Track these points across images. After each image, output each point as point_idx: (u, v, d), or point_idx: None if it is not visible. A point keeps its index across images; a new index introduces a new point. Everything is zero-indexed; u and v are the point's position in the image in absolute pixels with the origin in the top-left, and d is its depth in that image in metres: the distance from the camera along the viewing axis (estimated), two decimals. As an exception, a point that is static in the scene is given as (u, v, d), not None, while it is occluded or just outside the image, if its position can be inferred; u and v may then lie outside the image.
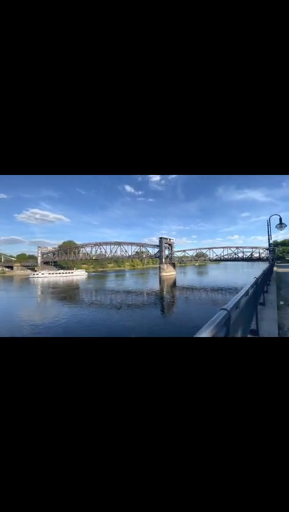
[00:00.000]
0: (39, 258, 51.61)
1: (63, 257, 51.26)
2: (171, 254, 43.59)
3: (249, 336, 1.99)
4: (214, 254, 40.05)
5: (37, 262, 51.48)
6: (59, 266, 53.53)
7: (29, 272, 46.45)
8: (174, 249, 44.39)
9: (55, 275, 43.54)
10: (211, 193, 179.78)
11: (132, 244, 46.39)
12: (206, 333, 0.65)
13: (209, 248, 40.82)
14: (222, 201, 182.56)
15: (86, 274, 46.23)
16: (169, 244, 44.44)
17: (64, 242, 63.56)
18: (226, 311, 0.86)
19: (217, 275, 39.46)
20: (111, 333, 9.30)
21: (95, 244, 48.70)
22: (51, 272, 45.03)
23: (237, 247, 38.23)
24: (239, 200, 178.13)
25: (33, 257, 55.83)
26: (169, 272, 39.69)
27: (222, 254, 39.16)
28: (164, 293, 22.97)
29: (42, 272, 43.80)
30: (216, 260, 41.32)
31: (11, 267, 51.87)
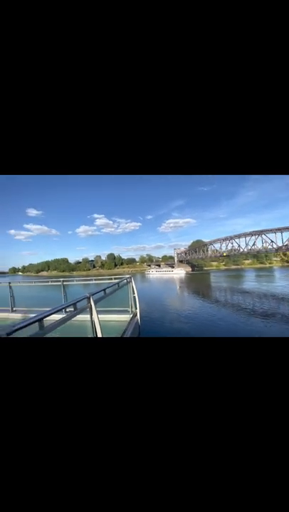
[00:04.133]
0: (175, 258, 63.44)
1: (193, 255, 55.82)
2: None
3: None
4: None
5: (174, 261, 63.86)
6: (190, 264, 59.59)
7: (170, 268, 59.36)
8: None
9: (159, 272, 50.95)
10: None
11: (281, 229, 31.98)
12: None
13: None
14: None
15: (184, 272, 48.22)
16: None
17: (193, 242, 69.09)
18: None
19: None
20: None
21: (225, 239, 43.94)
22: (158, 269, 55.36)
23: None
24: None
25: (172, 257, 70.46)
26: None
27: None
28: None
29: (151, 270, 55.37)
30: None
31: (159, 265, 71.96)
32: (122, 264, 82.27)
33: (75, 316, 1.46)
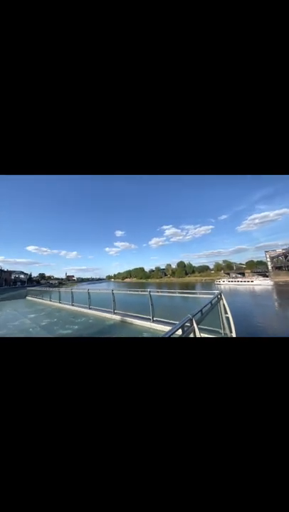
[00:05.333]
0: (269, 263, 47.21)
1: (303, 258, 37.71)
2: None
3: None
4: None
5: (267, 268, 47.64)
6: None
7: (253, 277, 44.91)
8: None
9: (233, 283, 43.32)
10: None
11: None
12: None
13: None
14: None
15: (272, 283, 37.26)
16: None
17: (299, 240, 47.63)
18: None
19: None
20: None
21: None
22: (230, 279, 46.36)
23: None
24: None
25: (262, 263, 53.48)
26: None
27: None
28: None
29: (222, 280, 47.74)
30: None
31: (243, 274, 57.12)
32: (193, 272, 77.39)
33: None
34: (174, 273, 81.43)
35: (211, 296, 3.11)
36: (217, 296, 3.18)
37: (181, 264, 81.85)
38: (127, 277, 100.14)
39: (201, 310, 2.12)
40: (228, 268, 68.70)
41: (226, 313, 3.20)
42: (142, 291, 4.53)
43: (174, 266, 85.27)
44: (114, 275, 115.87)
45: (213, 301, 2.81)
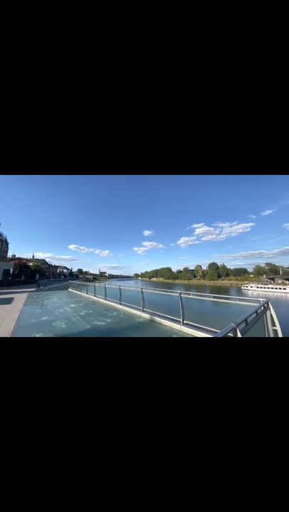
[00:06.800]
0: None
1: None
2: None
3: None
4: None
5: None
6: None
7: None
8: None
9: (262, 289, 40.83)
10: None
11: None
12: None
13: None
14: None
15: None
16: None
17: None
18: None
19: None
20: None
21: None
22: (259, 285, 44.42)
23: None
24: None
25: None
26: None
27: None
28: None
29: (251, 285, 45.19)
30: None
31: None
32: (227, 275, 70.00)
33: None
34: (204, 275, 75.98)
35: (257, 304, 2.69)
36: (263, 304, 2.77)
37: (213, 266, 75.50)
38: (153, 276, 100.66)
39: (246, 319, 1.90)
40: (271, 272, 58.43)
41: (273, 325, 2.76)
42: (170, 291, 4.40)
43: (204, 267, 79.67)
44: (142, 274, 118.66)
45: (258, 311, 2.45)
